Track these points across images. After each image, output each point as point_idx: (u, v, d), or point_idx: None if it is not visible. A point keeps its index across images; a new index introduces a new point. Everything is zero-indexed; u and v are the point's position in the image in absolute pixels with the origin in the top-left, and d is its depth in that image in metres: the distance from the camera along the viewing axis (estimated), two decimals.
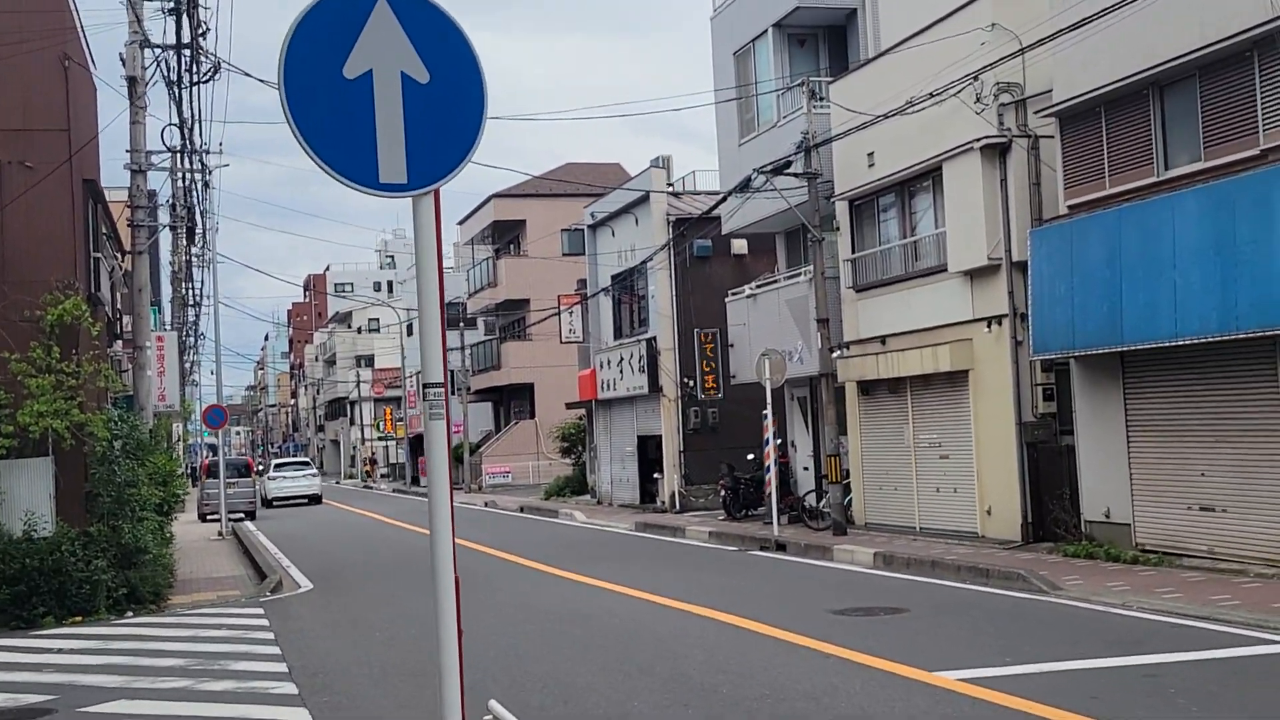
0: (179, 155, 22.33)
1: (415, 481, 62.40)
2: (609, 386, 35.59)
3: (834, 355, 22.64)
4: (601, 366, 36.11)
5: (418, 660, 11.58)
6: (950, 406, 20.41)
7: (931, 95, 19.10)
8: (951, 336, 19.92)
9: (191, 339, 58.65)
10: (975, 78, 18.68)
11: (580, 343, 39.05)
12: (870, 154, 21.94)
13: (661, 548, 22.90)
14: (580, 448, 43.16)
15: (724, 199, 24.48)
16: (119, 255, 25.88)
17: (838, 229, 23.41)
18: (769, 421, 23.11)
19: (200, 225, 24.15)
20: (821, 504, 23.90)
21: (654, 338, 32.49)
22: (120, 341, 27.41)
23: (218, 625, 15.14)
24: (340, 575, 20.59)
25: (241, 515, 38.98)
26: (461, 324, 57.02)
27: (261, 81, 17.48)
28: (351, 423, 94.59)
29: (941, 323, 20.25)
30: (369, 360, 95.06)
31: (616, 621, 13.77)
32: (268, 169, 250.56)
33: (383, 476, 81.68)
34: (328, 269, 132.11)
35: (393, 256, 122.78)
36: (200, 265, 47.34)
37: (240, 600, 17.87)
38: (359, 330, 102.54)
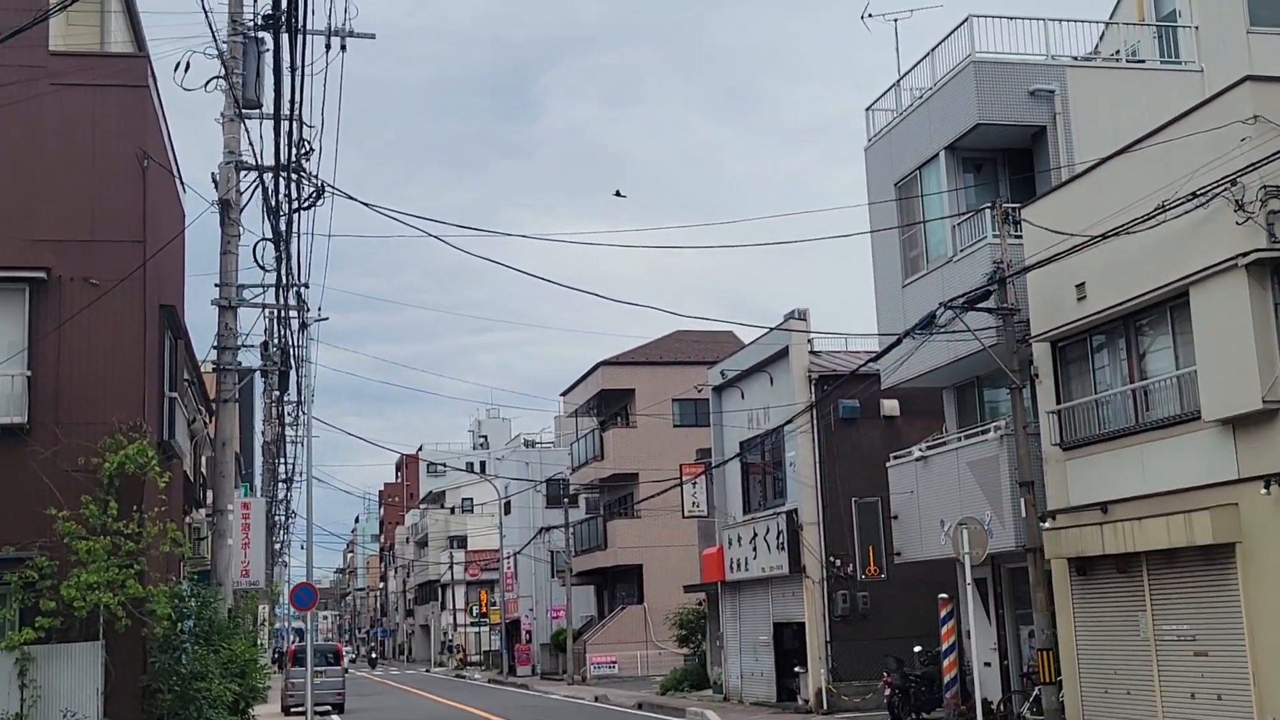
0: (275, 291, 19.55)
1: (513, 670, 58.17)
2: (738, 566, 31.72)
3: (1043, 526, 18.74)
4: (730, 544, 32.31)
5: None
6: (1207, 589, 16.37)
7: (1163, 206, 15.69)
8: (1209, 501, 16.02)
9: (282, 516, 56.02)
10: (1234, 181, 15.25)
11: (705, 517, 35.31)
12: (1080, 285, 18.44)
13: None
14: (699, 636, 39.01)
15: (895, 344, 21.05)
16: (203, 413, 22.97)
17: (1036, 376, 19.77)
18: (954, 620, 19.21)
19: (295, 373, 21.36)
20: (1023, 709, 19.73)
21: (794, 510, 28.72)
22: (199, 510, 24.30)
23: None
24: None
25: (328, 708, 35.22)
26: (565, 500, 53.59)
27: (367, 205, 14.48)
28: (443, 607, 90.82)
29: (1192, 484, 16.38)
30: (462, 541, 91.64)
31: None
32: (361, 359, 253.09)
33: (473, 664, 77.39)
34: (420, 449, 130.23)
35: (485, 436, 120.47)
36: (294, 434, 44.79)
37: None
38: (452, 510, 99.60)
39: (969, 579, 19.03)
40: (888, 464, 24.68)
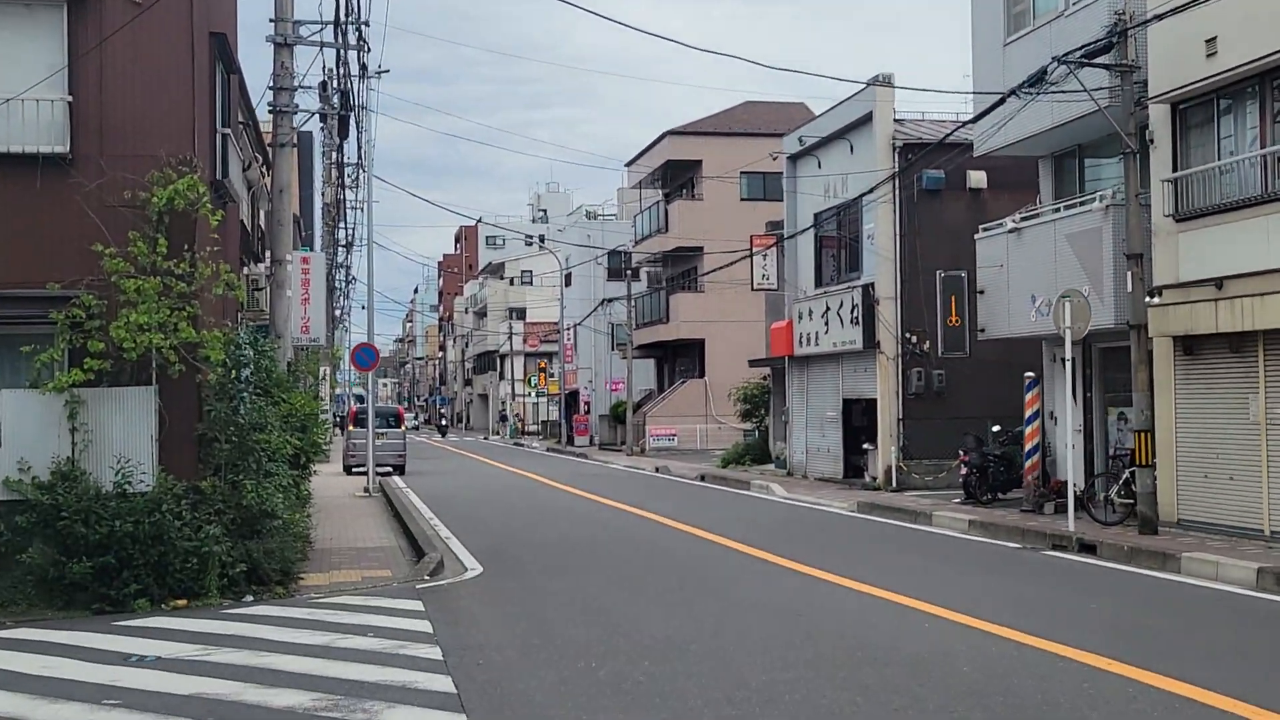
0: (334, 28, 18.16)
1: (570, 441, 58.42)
2: (809, 341, 30.79)
3: (1149, 303, 17.48)
4: (800, 318, 31.31)
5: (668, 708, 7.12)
6: None
7: None
8: None
9: (342, 282, 55.54)
10: None
11: (774, 290, 34.23)
12: (1210, 39, 16.68)
13: (913, 539, 18.10)
14: (763, 411, 38.48)
15: (999, 103, 19.38)
16: (260, 161, 21.90)
17: (1151, 141, 18.20)
18: (1038, 399, 18.17)
19: (355, 119, 20.09)
20: (1111, 492, 18.87)
21: (871, 284, 27.56)
22: (257, 264, 23.52)
23: (363, 628, 10.85)
24: (514, 555, 16.27)
25: (389, 469, 35.28)
26: (627, 272, 52.64)
27: None
28: (501, 377, 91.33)
29: None
30: (520, 313, 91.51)
31: (963, 665, 9.07)
32: (420, 131, 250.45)
33: (530, 433, 78.15)
34: (479, 221, 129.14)
35: (545, 210, 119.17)
36: (353, 197, 43.80)
37: (392, 585, 13.64)
38: (511, 281, 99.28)
39: (1068, 355, 17.89)
40: (976, 236, 23.33)
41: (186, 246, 12.60)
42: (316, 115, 19.44)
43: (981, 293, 23.07)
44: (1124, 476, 18.70)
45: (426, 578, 14.16)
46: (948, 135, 23.34)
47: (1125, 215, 17.96)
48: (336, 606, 12.17)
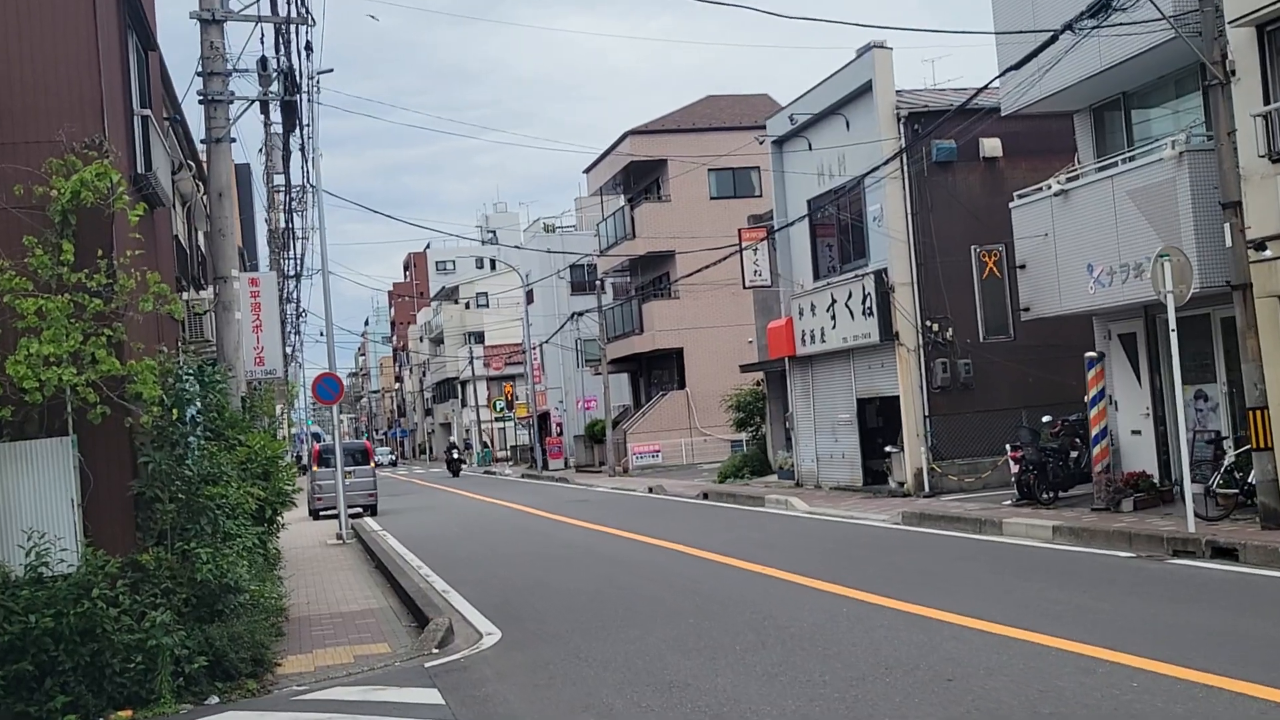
0: None
1: (545, 465, 55.46)
2: (812, 339, 28.15)
3: (1261, 256, 14.90)
4: (800, 314, 28.65)
5: None
6: None
7: None
8: None
9: (293, 315, 52.27)
10: None
11: (768, 287, 31.55)
12: None
13: (1004, 556, 15.33)
14: (758, 419, 35.78)
15: (1049, 43, 16.77)
16: (194, 171, 18.95)
17: (1233, 73, 15.66)
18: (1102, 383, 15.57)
19: (300, 107, 17.24)
20: (1213, 481, 16.26)
21: (883, 269, 24.93)
22: (199, 291, 20.58)
23: None
24: (533, 610, 13.43)
25: (360, 510, 32.26)
26: (597, 282, 49.94)
27: None
28: (464, 404, 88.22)
29: None
30: (479, 337, 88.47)
31: None
32: (359, 162, 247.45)
33: (502, 459, 75.08)
34: (428, 247, 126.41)
35: (494, 231, 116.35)
36: (300, 224, 40.76)
37: (395, 666, 10.78)
38: (466, 305, 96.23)
39: (1172, 323, 15.26)
40: (1011, 205, 20.75)
41: (100, 253, 9.72)
42: (256, 103, 16.59)
43: (1022, 267, 20.50)
44: (1224, 463, 16.13)
45: (434, 650, 11.32)
46: (972, 97, 20.69)
47: (1216, 158, 15.41)
48: (329, 706, 9.30)
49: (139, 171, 11.33)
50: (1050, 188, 19.42)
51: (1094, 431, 18.33)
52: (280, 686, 10.24)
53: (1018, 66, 17.69)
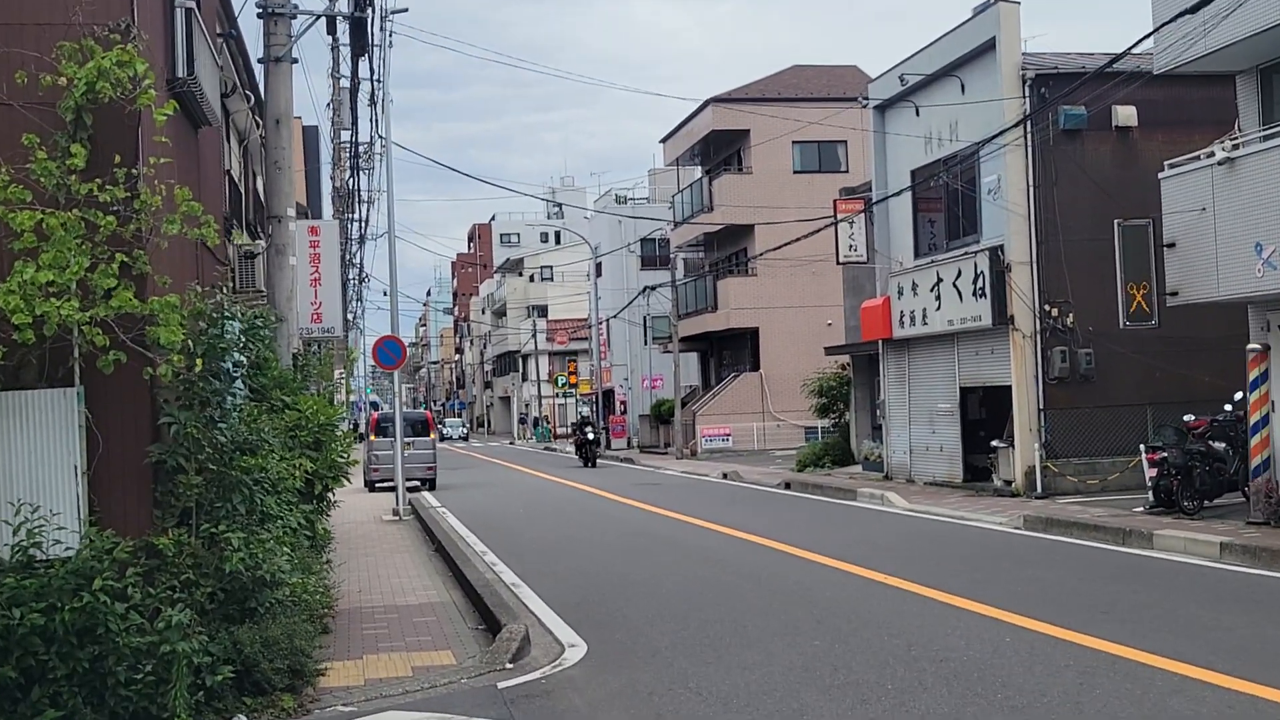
0: None
1: (607, 444, 53.50)
2: (911, 320, 25.94)
3: None
4: (899, 294, 26.44)
5: None
6: None
7: None
8: None
9: (355, 280, 50.59)
10: None
11: (864, 263, 29.36)
12: None
13: (1161, 573, 13.14)
14: (842, 405, 33.62)
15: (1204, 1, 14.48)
16: (251, 103, 17.04)
17: None
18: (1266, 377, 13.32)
19: (371, 28, 15.27)
20: None
21: (999, 246, 22.68)
22: (255, 240, 18.72)
23: None
24: (620, 616, 11.43)
25: (418, 484, 30.53)
26: (673, 254, 47.87)
27: None
28: (524, 378, 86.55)
29: None
30: (542, 311, 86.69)
31: None
32: (427, 134, 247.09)
33: (562, 436, 73.27)
34: (493, 218, 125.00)
35: (560, 205, 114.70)
36: (366, 183, 39.04)
37: (461, 685, 8.83)
38: (530, 278, 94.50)
39: (1271, 325, 13.04)
40: (1161, 175, 18.43)
41: (118, 160, 7.79)
42: (321, 19, 14.62)
43: (1171, 246, 18.17)
44: None
45: (508, 665, 9.37)
46: (1119, 57, 18.37)
47: None
48: None
49: (176, 74, 9.40)
50: (1213, 155, 17.10)
51: (1254, 420, 16.12)
52: (322, 705, 8.34)
53: (1194, 10, 15.36)
